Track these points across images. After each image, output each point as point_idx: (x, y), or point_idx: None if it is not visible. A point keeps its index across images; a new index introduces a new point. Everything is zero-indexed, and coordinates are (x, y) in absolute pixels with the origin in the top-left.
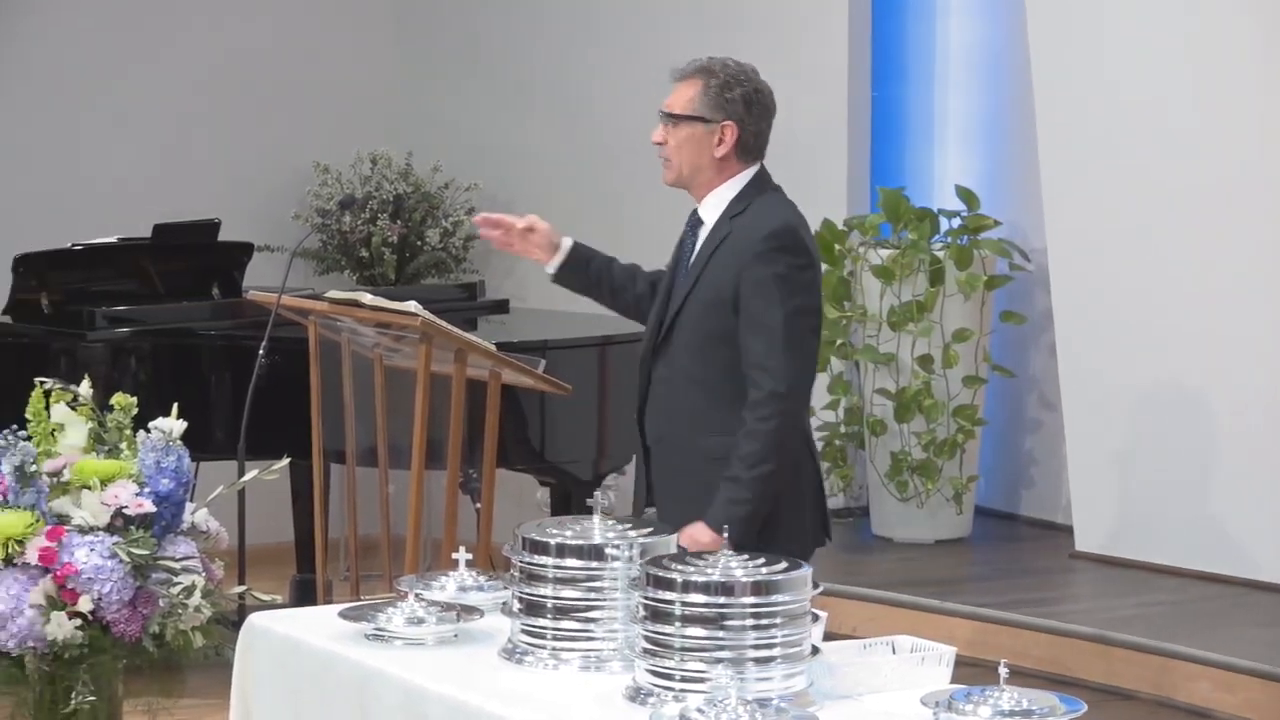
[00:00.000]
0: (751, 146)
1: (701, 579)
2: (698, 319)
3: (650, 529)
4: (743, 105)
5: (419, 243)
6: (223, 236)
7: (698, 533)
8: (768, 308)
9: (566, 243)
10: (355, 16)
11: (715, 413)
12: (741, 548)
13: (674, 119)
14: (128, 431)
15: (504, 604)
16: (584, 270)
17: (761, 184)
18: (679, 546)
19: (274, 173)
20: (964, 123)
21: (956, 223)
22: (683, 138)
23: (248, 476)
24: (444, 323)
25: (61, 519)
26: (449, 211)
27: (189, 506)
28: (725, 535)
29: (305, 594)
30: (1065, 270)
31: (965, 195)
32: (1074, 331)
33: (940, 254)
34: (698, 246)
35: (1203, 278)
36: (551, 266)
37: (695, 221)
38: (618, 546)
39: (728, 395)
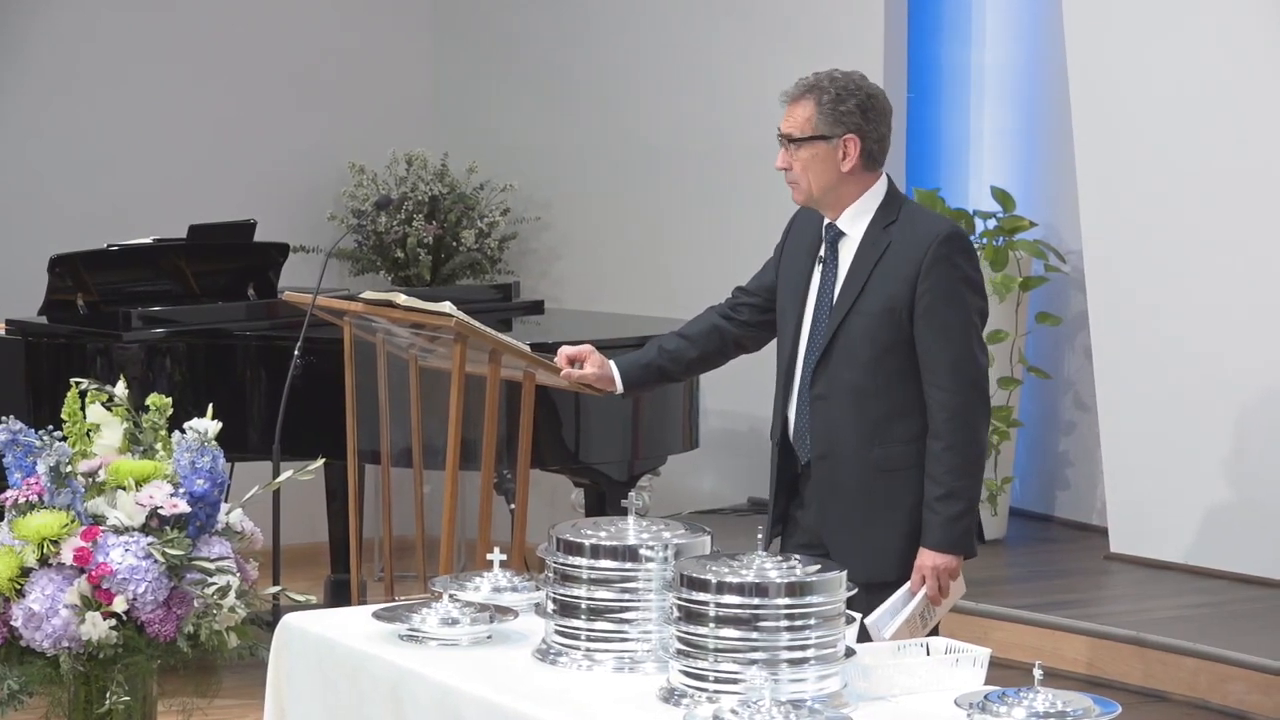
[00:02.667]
0: (877, 154)
1: (736, 580)
2: (868, 331)
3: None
4: (860, 115)
5: (454, 243)
6: (258, 237)
7: (927, 560)
8: (956, 311)
9: (611, 364)
10: (392, 17)
11: (886, 424)
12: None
13: (795, 142)
14: (163, 432)
15: (538, 605)
16: (640, 368)
17: (897, 192)
18: (913, 582)
19: (310, 173)
20: (999, 124)
21: (992, 224)
22: (806, 159)
23: (283, 477)
24: (479, 323)
25: (97, 519)
26: (484, 212)
27: (224, 507)
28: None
29: (340, 594)
30: (1101, 271)
31: (1001, 196)
32: (1109, 333)
33: None
34: (847, 259)
35: (1239, 279)
36: (620, 387)
37: (835, 234)
38: (652, 547)
39: (898, 404)
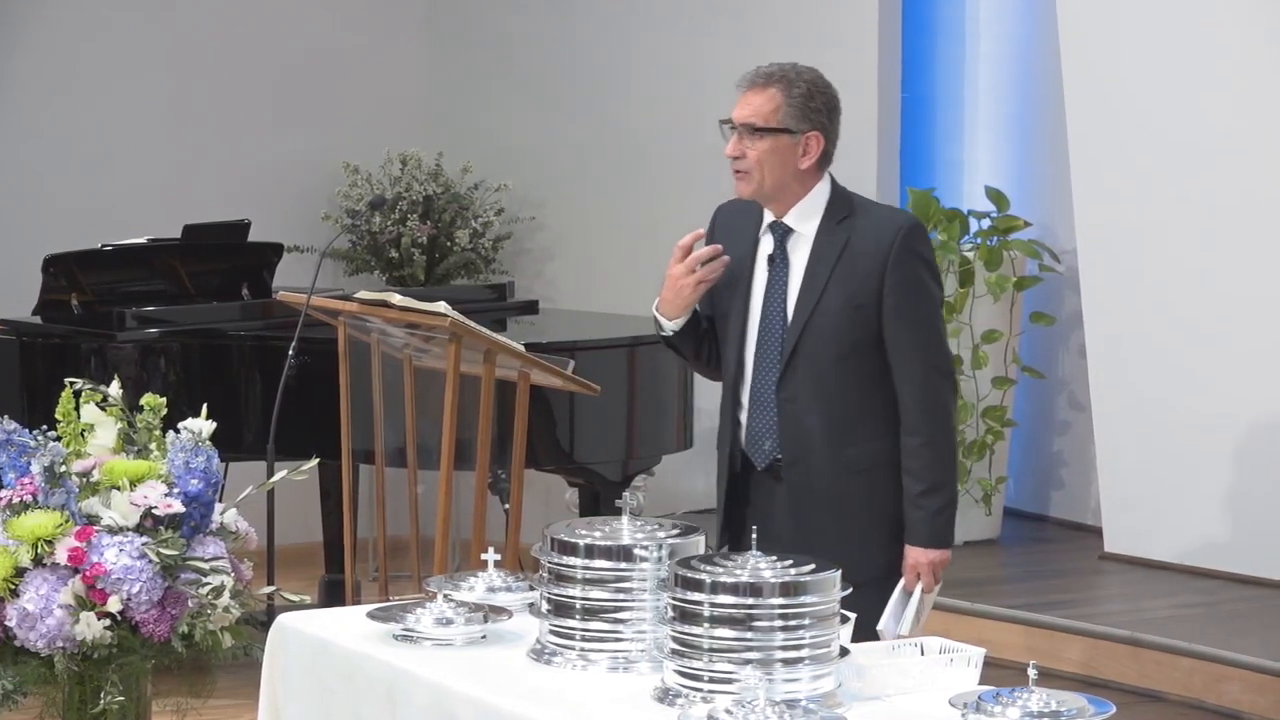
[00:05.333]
0: (831, 154)
1: (730, 580)
2: (833, 330)
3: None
4: (826, 115)
5: (449, 243)
6: (253, 237)
7: (920, 557)
8: (924, 303)
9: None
10: (386, 17)
11: (858, 422)
12: None
13: (756, 131)
14: (157, 432)
15: (532, 605)
16: (696, 328)
17: (840, 188)
18: (907, 580)
19: (304, 173)
20: (994, 124)
21: (986, 224)
22: (765, 150)
23: (277, 477)
24: (473, 323)
25: (91, 519)
26: (479, 212)
27: (218, 507)
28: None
29: (334, 594)
30: (1095, 271)
31: (995, 196)
32: (1104, 332)
33: (970, 255)
34: (801, 257)
35: (1234, 278)
36: (677, 324)
37: (784, 231)
38: (646, 547)
39: (867, 403)
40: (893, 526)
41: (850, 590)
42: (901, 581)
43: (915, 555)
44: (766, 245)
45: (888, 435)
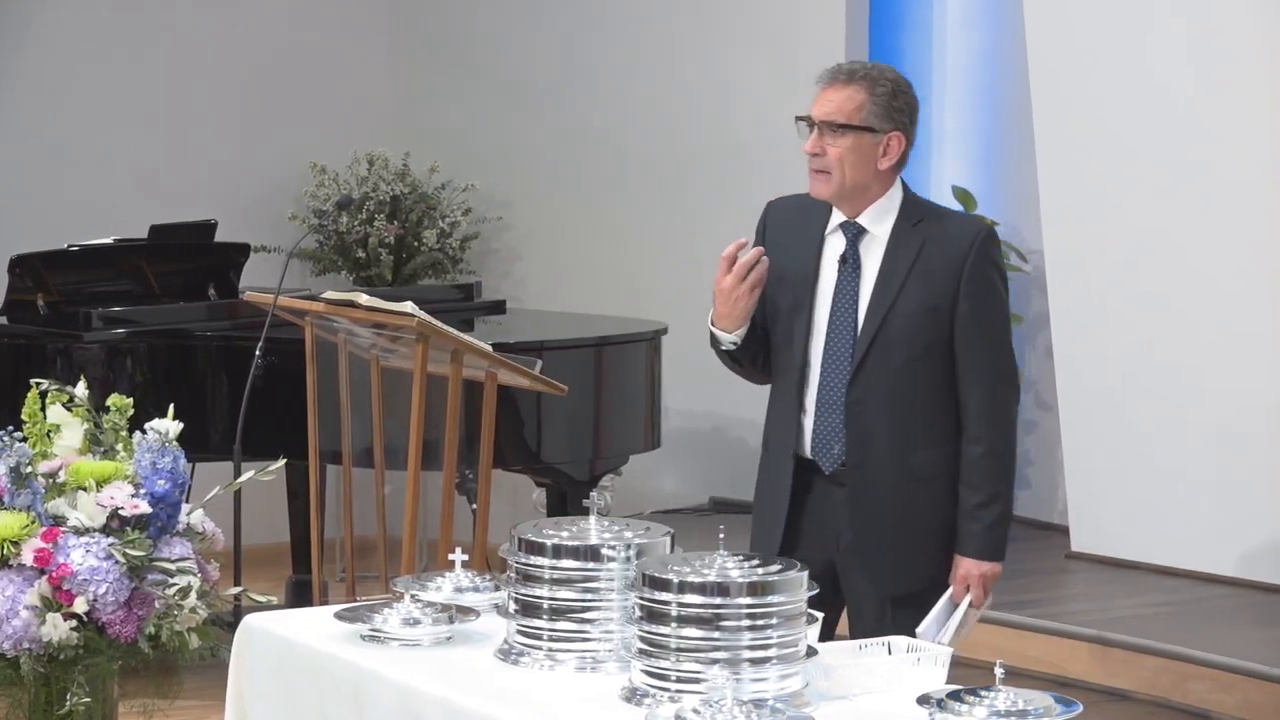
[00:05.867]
0: (908, 156)
1: (697, 579)
2: (906, 332)
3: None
4: (908, 116)
5: (416, 243)
6: (219, 237)
7: (972, 569)
8: (997, 311)
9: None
10: (353, 17)
11: (925, 427)
12: None
13: (838, 128)
14: (124, 432)
15: (499, 605)
16: (754, 336)
17: (912, 191)
18: (956, 592)
19: (271, 173)
20: (961, 124)
21: None
22: (847, 147)
23: (244, 477)
24: (440, 323)
25: (57, 520)
26: (446, 212)
27: (185, 507)
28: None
29: (301, 595)
30: (1062, 271)
31: (962, 196)
32: (1070, 332)
33: None
34: (874, 258)
35: (1200, 278)
36: (739, 335)
37: (856, 232)
38: (614, 547)
39: (933, 409)
40: (944, 538)
41: (818, 590)
42: (949, 591)
43: (967, 566)
44: (836, 245)
45: (949, 443)
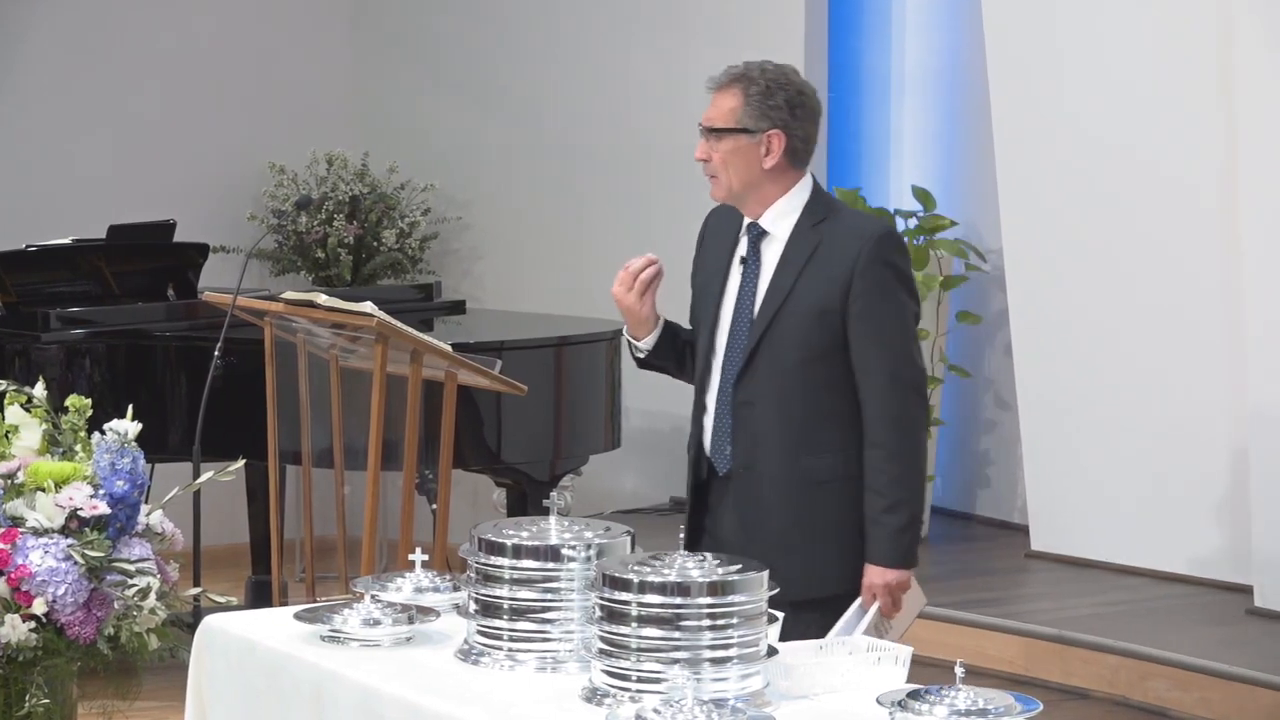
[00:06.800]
0: (802, 152)
1: (658, 579)
2: (797, 333)
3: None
4: (788, 111)
5: (375, 243)
6: (178, 237)
7: (876, 577)
8: (892, 313)
9: (661, 318)
10: (311, 16)
11: (816, 432)
12: None
13: (716, 133)
14: (82, 433)
15: (459, 605)
16: (673, 339)
17: (822, 190)
18: (865, 599)
19: (229, 173)
20: (920, 123)
21: (913, 223)
22: (728, 151)
23: (203, 478)
24: (400, 323)
25: (15, 521)
26: (405, 212)
27: (144, 508)
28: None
29: (261, 595)
30: (1021, 270)
31: (921, 196)
32: (1029, 331)
33: None
34: (772, 259)
35: (1157, 277)
36: (648, 342)
37: (758, 233)
38: (574, 547)
39: (827, 412)
40: (849, 544)
41: (777, 590)
42: (858, 600)
43: (872, 575)
44: (742, 247)
45: (852, 447)
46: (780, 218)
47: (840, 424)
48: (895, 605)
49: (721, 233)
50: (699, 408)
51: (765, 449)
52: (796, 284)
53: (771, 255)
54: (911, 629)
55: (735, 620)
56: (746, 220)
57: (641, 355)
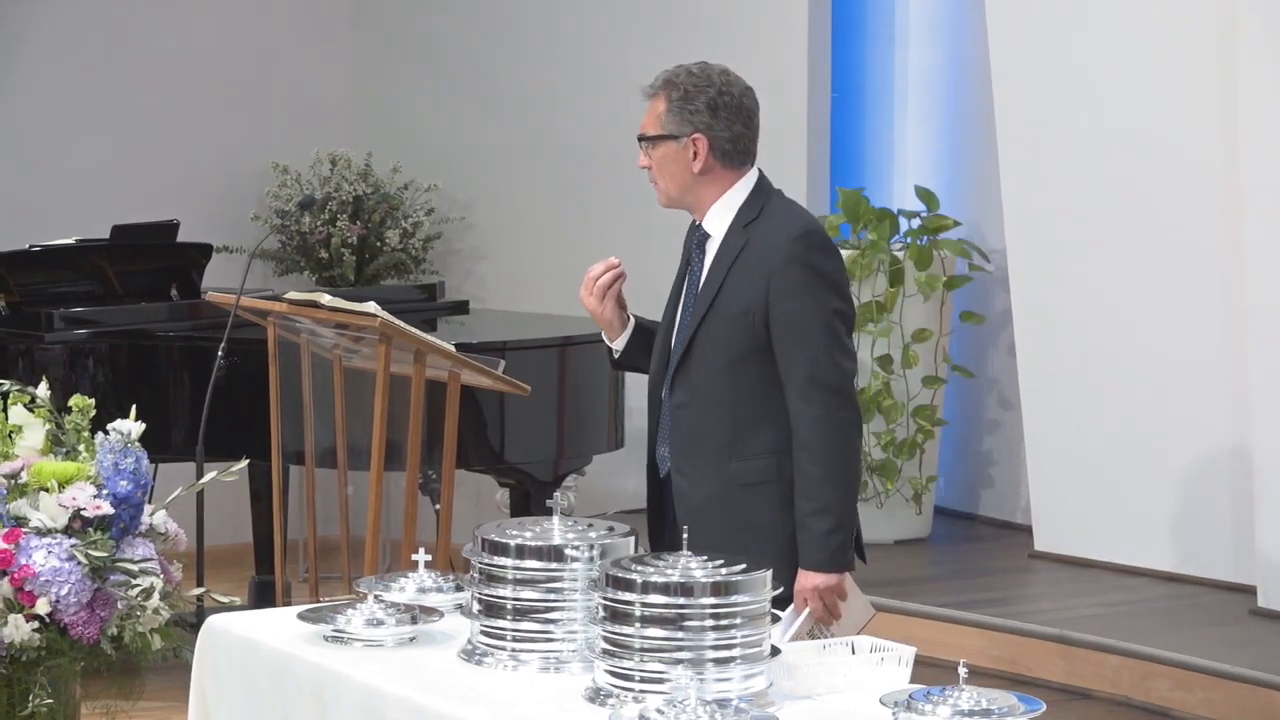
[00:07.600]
0: (733, 152)
1: (661, 580)
2: (723, 336)
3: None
4: (708, 113)
5: (378, 244)
6: (181, 237)
7: (805, 581)
8: (811, 313)
9: (631, 320)
10: (314, 16)
11: (747, 435)
12: None
13: (649, 140)
14: (86, 433)
15: (463, 605)
16: (646, 340)
17: (765, 188)
18: (797, 604)
19: (233, 173)
20: (923, 124)
21: (916, 223)
22: (660, 158)
23: (206, 478)
24: (403, 323)
25: (19, 521)
26: (408, 212)
27: (147, 508)
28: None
29: (264, 595)
30: (1024, 270)
31: (925, 196)
32: (1033, 331)
33: (900, 254)
34: (708, 261)
35: (1162, 278)
36: (619, 344)
37: (701, 236)
38: (577, 547)
39: (758, 414)
40: (785, 547)
41: (781, 589)
42: (791, 606)
43: (802, 579)
44: (689, 250)
45: (783, 452)
46: (719, 219)
47: (773, 427)
48: (832, 611)
49: (687, 242)
50: (654, 408)
51: (696, 452)
52: (723, 286)
53: (710, 257)
54: (914, 629)
55: (739, 620)
56: (692, 223)
57: (615, 357)
